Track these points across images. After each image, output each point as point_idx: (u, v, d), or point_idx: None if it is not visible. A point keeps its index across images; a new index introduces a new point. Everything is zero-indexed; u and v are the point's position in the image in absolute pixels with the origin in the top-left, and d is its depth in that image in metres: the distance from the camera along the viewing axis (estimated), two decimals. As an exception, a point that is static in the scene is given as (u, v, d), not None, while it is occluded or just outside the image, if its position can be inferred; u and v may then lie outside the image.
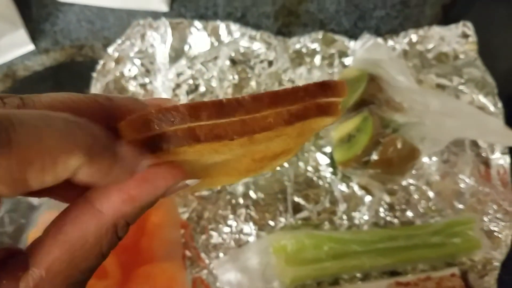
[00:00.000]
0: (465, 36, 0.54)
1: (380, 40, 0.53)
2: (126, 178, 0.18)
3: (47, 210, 0.45)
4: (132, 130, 0.18)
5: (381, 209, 0.48)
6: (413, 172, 0.49)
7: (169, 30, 0.54)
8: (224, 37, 0.55)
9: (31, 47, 0.56)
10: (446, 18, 0.57)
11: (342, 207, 0.49)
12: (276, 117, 0.19)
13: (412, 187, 0.49)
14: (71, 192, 0.19)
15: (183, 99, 0.52)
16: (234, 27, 0.55)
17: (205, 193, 0.49)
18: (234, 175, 0.25)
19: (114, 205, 0.18)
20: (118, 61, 0.54)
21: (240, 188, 0.49)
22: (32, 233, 0.44)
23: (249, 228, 0.48)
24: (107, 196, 0.18)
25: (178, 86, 0.53)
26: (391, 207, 0.48)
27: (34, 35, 0.57)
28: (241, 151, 0.21)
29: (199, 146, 0.19)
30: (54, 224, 0.18)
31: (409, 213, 0.48)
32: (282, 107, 0.19)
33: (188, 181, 0.20)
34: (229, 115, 0.19)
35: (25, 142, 0.14)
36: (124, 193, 0.18)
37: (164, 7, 0.56)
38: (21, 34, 0.56)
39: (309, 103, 0.20)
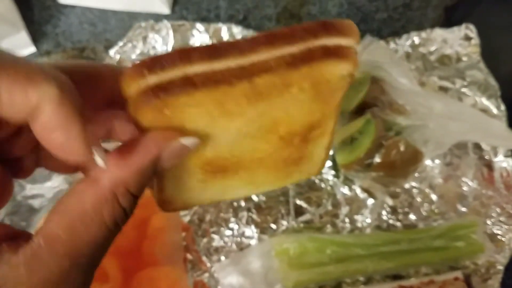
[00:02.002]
0: (467, 38, 0.54)
1: (382, 42, 0.53)
2: (97, 140, 0.18)
3: (49, 211, 0.45)
4: (131, 80, 0.18)
5: (384, 212, 0.48)
6: (416, 175, 0.49)
7: (171, 33, 0.54)
8: (226, 39, 0.55)
9: (32, 49, 0.56)
10: (448, 21, 0.57)
11: (344, 210, 0.48)
12: (277, 60, 0.18)
13: (415, 190, 0.49)
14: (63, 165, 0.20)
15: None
16: (236, 29, 0.55)
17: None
18: (267, 174, 0.24)
19: (108, 172, 0.18)
20: (119, 63, 0.54)
21: (242, 191, 0.49)
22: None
23: (251, 231, 0.47)
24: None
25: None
26: (393, 210, 0.48)
27: (36, 37, 0.56)
28: (254, 113, 0.19)
29: (200, 97, 0.18)
30: (58, 200, 0.18)
31: (412, 216, 0.48)
32: (280, 47, 0.18)
33: (185, 141, 0.19)
34: (222, 55, 0.18)
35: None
36: (115, 158, 0.18)
37: (166, 10, 0.56)
38: (23, 36, 0.55)
39: (313, 45, 0.18)
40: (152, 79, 0.18)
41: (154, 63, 0.18)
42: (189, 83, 0.18)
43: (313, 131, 0.22)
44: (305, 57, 0.18)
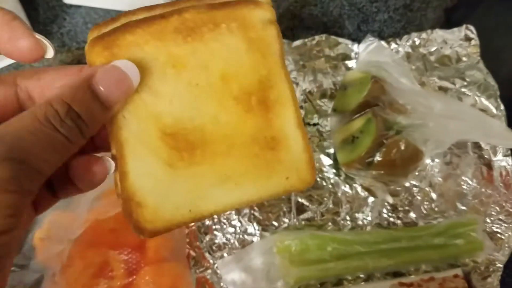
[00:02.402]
0: (467, 39, 0.54)
1: (383, 43, 0.53)
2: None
3: (53, 211, 0.46)
4: (90, 36, 0.23)
5: (384, 210, 0.49)
6: (416, 173, 0.49)
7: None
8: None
9: (38, 48, 0.57)
10: (448, 22, 0.58)
11: (345, 208, 0.49)
12: (202, 2, 0.23)
13: (415, 189, 0.49)
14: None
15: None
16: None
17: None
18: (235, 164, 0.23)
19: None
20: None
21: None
22: (38, 233, 0.44)
23: (253, 228, 0.48)
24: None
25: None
26: (394, 208, 0.49)
27: (41, 37, 0.57)
28: (196, 60, 0.22)
29: (140, 33, 0.22)
30: None
31: (412, 214, 0.48)
32: None
33: (119, 63, 0.21)
34: (159, 7, 0.23)
35: None
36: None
37: (169, 10, 0.57)
38: (28, 36, 0.56)
39: None
40: (103, 29, 0.22)
41: (105, 21, 0.22)
42: (130, 24, 0.22)
43: (267, 91, 0.24)
44: (225, 2, 0.23)
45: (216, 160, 0.23)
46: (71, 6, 0.58)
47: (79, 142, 0.20)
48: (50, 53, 0.22)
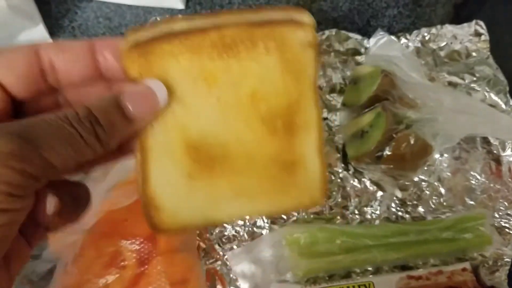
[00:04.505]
0: (477, 34, 0.54)
1: (393, 37, 0.53)
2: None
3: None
4: (125, 41, 0.22)
5: (393, 204, 0.49)
6: (425, 168, 0.49)
7: (185, 27, 0.55)
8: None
9: (49, 42, 0.57)
10: (458, 17, 0.57)
11: (354, 202, 0.49)
12: (243, 19, 0.22)
13: (423, 183, 0.50)
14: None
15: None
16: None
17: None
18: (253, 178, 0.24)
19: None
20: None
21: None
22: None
23: (262, 221, 0.48)
24: None
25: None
26: (402, 203, 0.49)
27: (53, 30, 0.58)
28: (228, 77, 0.22)
29: (177, 44, 0.22)
30: None
31: (421, 209, 0.49)
32: (248, 14, 0.23)
33: (151, 83, 0.22)
34: (201, 17, 0.23)
35: None
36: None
37: (180, 5, 0.57)
38: (40, 29, 0.57)
39: (274, 16, 0.23)
40: (141, 33, 0.22)
41: (142, 26, 0.22)
42: (168, 34, 0.22)
43: (295, 115, 0.23)
44: (267, 21, 0.22)
45: (234, 176, 0.23)
46: (82, 0, 0.59)
47: (95, 146, 0.20)
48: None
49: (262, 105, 0.23)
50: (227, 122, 0.23)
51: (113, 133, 0.21)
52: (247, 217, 0.25)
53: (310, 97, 0.24)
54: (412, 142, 0.45)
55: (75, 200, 0.22)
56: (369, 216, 0.49)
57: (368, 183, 0.50)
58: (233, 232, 0.48)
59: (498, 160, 0.50)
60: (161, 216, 0.23)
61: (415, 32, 0.55)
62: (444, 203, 0.49)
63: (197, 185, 0.23)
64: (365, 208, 0.49)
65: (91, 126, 0.20)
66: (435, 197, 0.49)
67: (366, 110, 0.47)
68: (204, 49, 0.22)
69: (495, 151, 0.50)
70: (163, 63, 0.22)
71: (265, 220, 0.48)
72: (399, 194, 0.49)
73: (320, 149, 0.25)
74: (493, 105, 0.51)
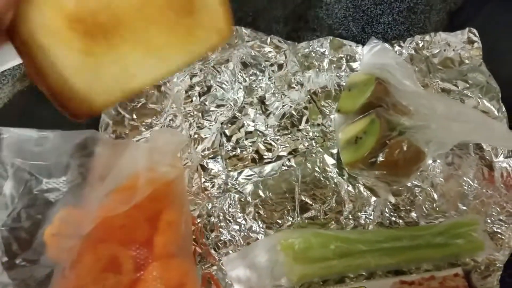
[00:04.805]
0: (470, 42, 0.55)
1: (387, 45, 0.54)
2: None
3: (63, 207, 0.47)
4: None
5: (387, 210, 0.50)
6: (418, 174, 0.50)
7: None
8: (236, 41, 0.56)
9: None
10: (451, 24, 0.58)
11: (348, 207, 0.50)
12: None
13: (417, 189, 0.50)
14: None
15: (196, 100, 0.54)
16: (246, 31, 0.56)
17: (215, 192, 0.50)
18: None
19: None
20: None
21: (249, 187, 0.51)
22: (49, 229, 0.45)
23: (258, 226, 0.49)
24: None
25: (191, 87, 0.55)
26: (396, 208, 0.50)
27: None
28: None
29: None
30: None
31: (414, 214, 0.49)
32: None
33: None
34: None
35: None
36: None
37: (177, 11, 0.58)
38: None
39: None
40: None
41: None
42: None
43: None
44: None
45: (135, 37, 0.22)
46: None
47: None
48: None
49: None
50: None
51: None
52: (166, 76, 0.23)
53: None
54: (405, 148, 0.46)
55: None
56: (363, 221, 0.49)
57: (362, 188, 0.50)
58: (229, 237, 0.49)
59: (490, 166, 0.51)
60: (76, 104, 0.22)
61: (409, 39, 0.55)
62: (437, 209, 0.49)
63: (101, 61, 0.22)
64: (359, 213, 0.50)
65: None
66: (428, 203, 0.50)
67: (360, 116, 0.48)
68: None
69: (487, 157, 0.51)
70: None
71: (260, 225, 0.49)
72: (392, 199, 0.50)
73: None
74: (486, 112, 0.52)
